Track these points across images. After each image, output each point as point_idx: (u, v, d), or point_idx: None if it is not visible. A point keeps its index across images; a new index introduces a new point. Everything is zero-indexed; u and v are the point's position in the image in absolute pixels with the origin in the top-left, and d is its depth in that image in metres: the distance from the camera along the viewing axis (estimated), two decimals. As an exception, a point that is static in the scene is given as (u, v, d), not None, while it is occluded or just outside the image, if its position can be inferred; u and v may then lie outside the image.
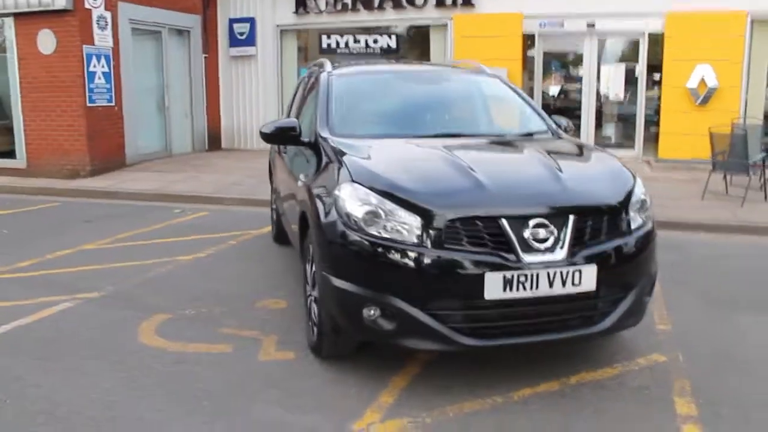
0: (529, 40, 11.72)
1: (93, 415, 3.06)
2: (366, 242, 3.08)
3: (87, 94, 10.30)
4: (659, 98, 11.30)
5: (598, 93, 11.81)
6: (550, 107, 11.73)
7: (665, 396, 3.21)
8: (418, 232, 3.02)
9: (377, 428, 2.93)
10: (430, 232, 3.01)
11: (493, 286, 2.98)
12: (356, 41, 11.92)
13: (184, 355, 3.73)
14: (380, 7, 12.47)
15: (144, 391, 3.30)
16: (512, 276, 2.98)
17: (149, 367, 3.58)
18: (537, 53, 11.78)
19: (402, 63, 5.78)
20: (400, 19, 12.62)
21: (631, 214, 3.32)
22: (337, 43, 12.05)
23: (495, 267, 2.97)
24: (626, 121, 12.02)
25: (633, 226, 3.29)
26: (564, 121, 4.68)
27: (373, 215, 3.10)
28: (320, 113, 4.21)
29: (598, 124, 11.95)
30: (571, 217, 3.09)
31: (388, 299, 3.03)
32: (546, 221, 3.04)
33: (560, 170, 3.36)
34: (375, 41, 11.90)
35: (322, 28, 13.49)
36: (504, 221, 3.01)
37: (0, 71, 10.83)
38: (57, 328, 4.17)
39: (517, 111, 4.63)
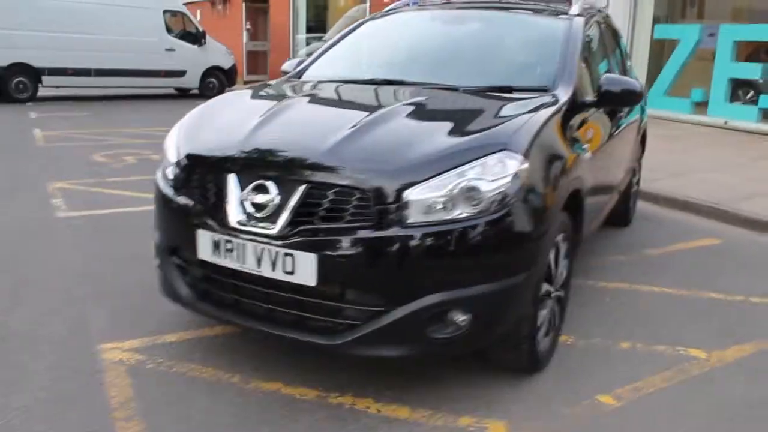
0: None
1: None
2: (156, 182, 3.01)
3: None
4: None
5: None
6: None
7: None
8: (174, 175, 2.82)
9: (110, 352, 2.97)
10: (178, 175, 2.78)
11: (205, 246, 2.59)
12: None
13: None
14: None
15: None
16: (219, 240, 2.54)
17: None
18: None
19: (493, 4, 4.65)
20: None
21: (439, 202, 2.32)
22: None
23: (207, 225, 2.57)
24: None
25: (413, 220, 2.32)
26: (629, 83, 3.30)
27: (164, 155, 3.00)
28: (317, 52, 4.07)
29: None
30: (300, 188, 2.40)
31: (158, 242, 2.95)
32: (269, 185, 2.44)
33: (356, 131, 2.57)
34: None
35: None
36: (231, 177, 2.54)
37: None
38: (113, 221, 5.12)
39: (535, 62, 3.46)
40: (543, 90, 3.16)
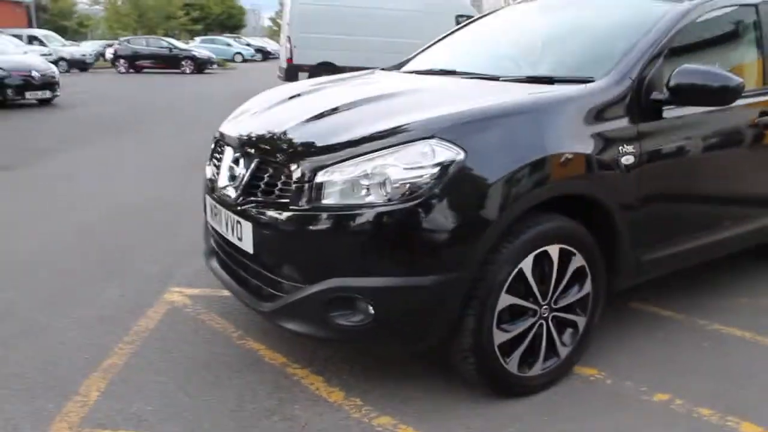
0: None
1: None
2: None
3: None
4: None
5: None
6: None
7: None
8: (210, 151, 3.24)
9: (173, 294, 3.54)
10: (211, 151, 3.17)
11: (209, 210, 2.97)
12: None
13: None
14: None
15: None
16: (212, 204, 2.88)
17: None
18: None
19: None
20: None
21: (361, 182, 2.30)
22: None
23: (209, 192, 2.95)
24: None
25: (328, 201, 2.33)
26: (716, 76, 2.68)
27: None
28: (426, 45, 4.21)
29: None
30: (254, 163, 2.60)
31: None
32: (242, 159, 2.71)
33: (320, 115, 2.67)
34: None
35: None
36: (228, 151, 2.86)
37: None
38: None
39: (599, 52, 2.99)
40: (585, 81, 2.76)
